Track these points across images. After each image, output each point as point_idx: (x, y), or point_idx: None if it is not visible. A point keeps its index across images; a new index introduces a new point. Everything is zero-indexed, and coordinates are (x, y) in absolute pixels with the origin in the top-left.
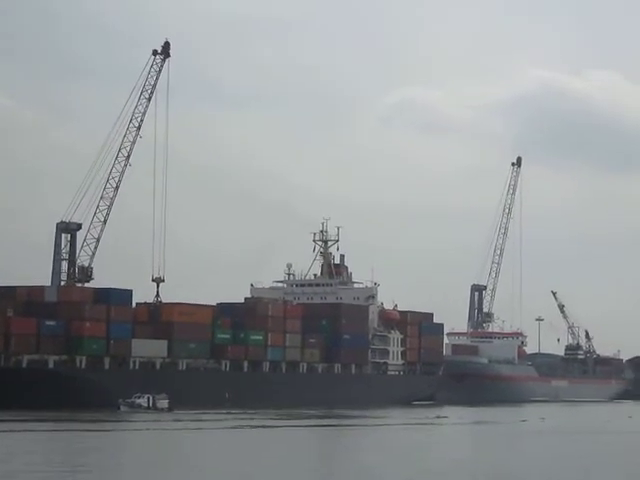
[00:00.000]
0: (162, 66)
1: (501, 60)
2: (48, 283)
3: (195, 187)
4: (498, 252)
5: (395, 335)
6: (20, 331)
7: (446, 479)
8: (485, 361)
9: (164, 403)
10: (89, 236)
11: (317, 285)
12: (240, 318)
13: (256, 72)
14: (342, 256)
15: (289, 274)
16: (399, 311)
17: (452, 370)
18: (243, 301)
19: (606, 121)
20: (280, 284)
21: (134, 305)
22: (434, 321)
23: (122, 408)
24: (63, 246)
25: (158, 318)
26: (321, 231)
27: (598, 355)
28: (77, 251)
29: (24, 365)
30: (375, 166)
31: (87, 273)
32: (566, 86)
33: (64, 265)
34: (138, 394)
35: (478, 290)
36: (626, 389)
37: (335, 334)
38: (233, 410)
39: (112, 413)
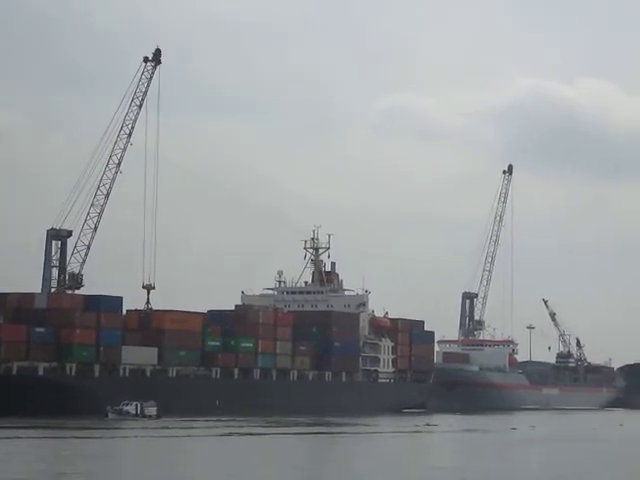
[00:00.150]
0: (153, 73)
1: (492, 68)
2: (39, 290)
3: (186, 194)
4: (489, 260)
5: (386, 343)
6: (10, 338)
7: None
8: (476, 369)
9: (152, 410)
10: (79, 243)
11: (308, 293)
12: (231, 325)
13: (248, 79)
14: (333, 264)
15: (280, 281)
16: (390, 319)
17: (443, 378)
18: (234, 308)
19: (596, 129)
20: (271, 291)
21: (124, 312)
22: (425, 329)
23: (110, 415)
24: (53, 253)
25: (148, 325)
26: (312, 238)
27: (589, 363)
28: (67, 258)
29: (14, 372)
30: (367, 173)
31: (77, 280)
32: (556, 94)
33: (54, 272)
34: (126, 401)
35: (469, 298)
36: (617, 397)
37: (326, 342)
38: (223, 417)
39: (100, 420)
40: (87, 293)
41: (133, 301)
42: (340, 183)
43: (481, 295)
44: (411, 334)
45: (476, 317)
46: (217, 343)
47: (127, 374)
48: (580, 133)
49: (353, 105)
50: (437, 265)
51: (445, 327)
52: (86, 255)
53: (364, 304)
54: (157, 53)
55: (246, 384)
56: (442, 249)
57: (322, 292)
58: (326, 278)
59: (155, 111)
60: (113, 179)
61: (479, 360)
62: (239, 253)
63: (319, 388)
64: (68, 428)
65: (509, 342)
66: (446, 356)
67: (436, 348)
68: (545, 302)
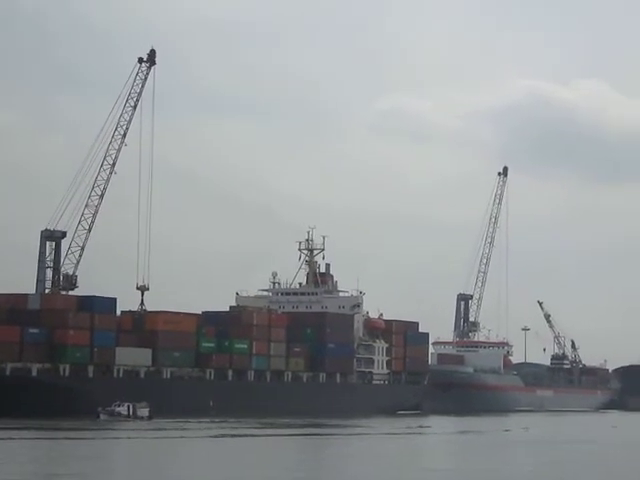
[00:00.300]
0: (148, 74)
1: (489, 69)
2: (33, 291)
3: (181, 195)
4: (484, 261)
5: (380, 344)
6: (3, 339)
7: None
8: (471, 370)
9: (144, 411)
10: (74, 244)
11: (302, 294)
12: (225, 327)
13: (244, 79)
14: (327, 265)
15: (274, 282)
16: (384, 320)
17: (437, 379)
18: (228, 310)
19: (593, 131)
20: (265, 292)
21: (118, 313)
22: (420, 330)
23: (102, 416)
24: (48, 254)
25: (142, 326)
26: (307, 240)
27: (584, 365)
28: (62, 259)
29: (7, 373)
30: (362, 174)
31: (71, 281)
32: (553, 95)
33: (49, 273)
34: (117, 402)
35: (464, 299)
36: (612, 399)
37: (320, 343)
38: (217, 419)
39: (92, 422)
40: (81, 294)
41: (127, 302)
42: (336, 184)
43: (476, 296)
44: (406, 335)
45: (471, 318)
46: (211, 344)
47: (121, 375)
48: (577, 134)
49: (349, 106)
50: (432, 267)
51: (440, 328)
52: (80, 256)
53: (358, 305)
54: (152, 54)
55: (240, 385)
56: (437, 251)
57: (316, 293)
58: (320, 279)
59: (150, 112)
60: (108, 180)
61: (474, 362)
62: (234, 254)
63: (313, 389)
64: (61, 429)
65: (504, 344)
66: (441, 357)
67: (431, 349)
68: (540, 304)
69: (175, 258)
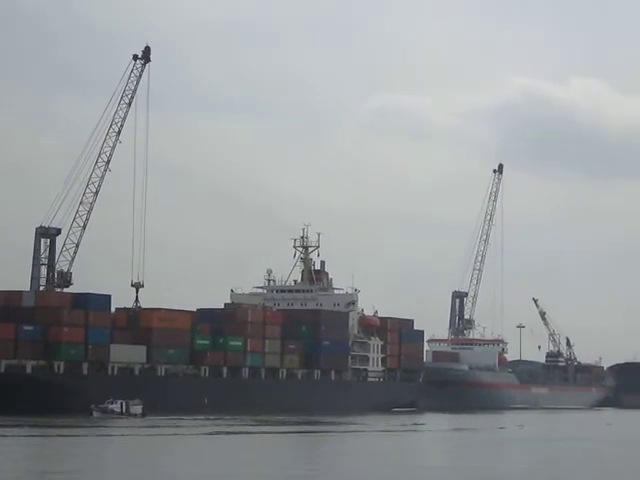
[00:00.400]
0: (142, 71)
1: (486, 67)
2: (27, 288)
3: (175, 192)
4: (479, 259)
5: (375, 342)
6: None
7: None
8: (466, 368)
9: (138, 409)
10: (68, 241)
11: (297, 291)
12: (219, 324)
13: (244, 78)
14: (323, 262)
15: (269, 280)
16: (379, 317)
17: (432, 377)
18: (223, 307)
19: (590, 129)
20: (260, 290)
21: (113, 310)
22: (414, 328)
23: (95, 414)
24: (42, 251)
25: (137, 323)
26: (302, 237)
27: (579, 362)
28: (56, 256)
29: (2, 370)
30: (359, 172)
31: (66, 278)
32: (550, 94)
33: (43, 270)
34: (111, 399)
35: (459, 297)
36: (607, 396)
37: (315, 340)
38: (211, 416)
39: (84, 419)
40: (76, 291)
41: (122, 299)
42: (332, 182)
43: (471, 294)
44: (401, 333)
45: (466, 316)
46: (206, 341)
47: (116, 372)
48: (574, 133)
49: (346, 104)
50: (427, 264)
51: (435, 326)
52: (75, 253)
53: (353, 303)
54: (146, 51)
55: (235, 383)
56: (432, 248)
57: (311, 291)
58: (315, 277)
59: (145, 109)
60: (102, 177)
61: (469, 359)
62: (229, 251)
63: (308, 387)
64: (55, 426)
65: (499, 341)
66: (436, 355)
67: (426, 347)
68: (535, 301)
69: (170, 255)
